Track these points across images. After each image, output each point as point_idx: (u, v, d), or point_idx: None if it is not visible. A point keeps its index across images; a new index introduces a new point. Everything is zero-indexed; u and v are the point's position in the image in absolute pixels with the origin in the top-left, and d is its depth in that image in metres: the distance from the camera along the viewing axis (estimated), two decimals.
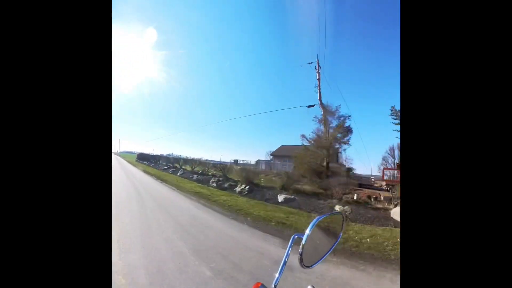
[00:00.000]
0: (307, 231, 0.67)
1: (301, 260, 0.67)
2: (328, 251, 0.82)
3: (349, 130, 12.39)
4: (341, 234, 0.88)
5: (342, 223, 0.89)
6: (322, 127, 12.64)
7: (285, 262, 0.69)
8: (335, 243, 0.85)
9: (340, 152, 13.59)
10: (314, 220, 0.70)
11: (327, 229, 0.82)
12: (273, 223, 5.58)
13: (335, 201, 8.50)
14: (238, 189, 9.74)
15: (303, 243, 0.66)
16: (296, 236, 0.71)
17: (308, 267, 0.72)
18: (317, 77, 12.99)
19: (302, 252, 0.66)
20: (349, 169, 13.51)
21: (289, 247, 0.70)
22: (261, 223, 5.59)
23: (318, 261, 0.77)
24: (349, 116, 12.43)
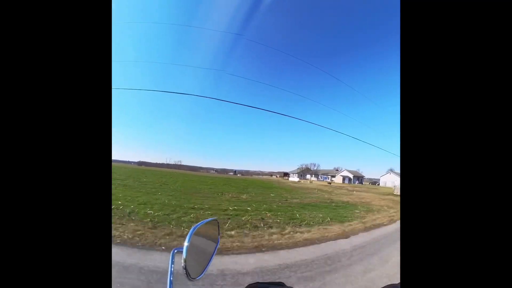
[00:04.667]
0: (186, 243, 0.66)
1: (187, 274, 0.66)
2: (211, 258, 0.85)
3: None
4: (219, 238, 0.94)
5: (218, 228, 0.95)
6: None
7: (171, 282, 0.67)
8: (215, 248, 0.89)
9: None
10: (191, 230, 0.70)
11: (205, 237, 0.84)
12: None
13: None
14: None
15: (185, 256, 0.65)
16: (175, 251, 0.70)
17: (195, 278, 0.71)
18: None
19: (185, 265, 0.65)
20: None
21: (171, 264, 0.68)
22: None
23: (204, 269, 0.78)
24: None
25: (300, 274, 3.64)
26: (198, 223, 0.77)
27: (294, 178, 65.48)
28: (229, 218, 7.13)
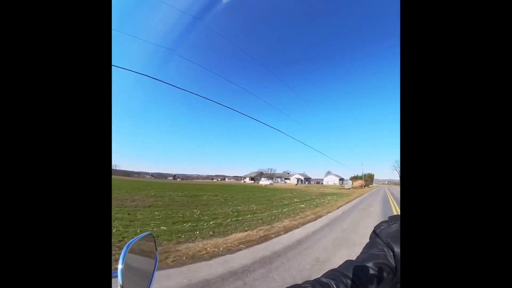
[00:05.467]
0: (120, 266, 0.58)
1: None
2: (152, 277, 0.77)
3: None
4: (157, 254, 0.86)
5: (155, 242, 0.86)
6: None
7: None
8: (155, 266, 0.83)
9: None
10: (124, 249, 0.62)
11: (142, 254, 0.76)
12: None
13: None
14: None
15: (121, 282, 0.57)
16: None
17: None
18: None
19: None
20: None
21: None
22: None
23: None
24: None
25: (374, 195, 20.21)
26: (131, 240, 0.68)
27: (264, 182, 76.92)
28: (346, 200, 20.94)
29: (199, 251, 4.32)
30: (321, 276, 0.61)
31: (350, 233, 6.12)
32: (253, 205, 12.64)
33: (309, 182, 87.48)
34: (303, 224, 7.20)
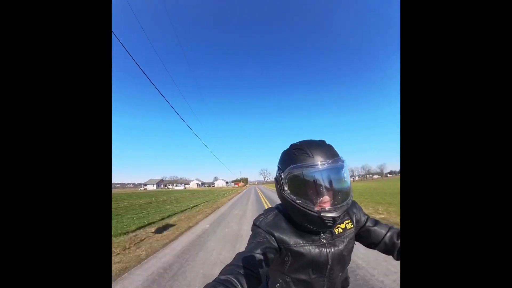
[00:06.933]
0: None
1: None
2: None
3: None
4: None
5: None
6: None
7: None
8: None
9: None
10: None
11: None
12: None
13: None
14: None
15: None
16: None
17: None
18: None
19: None
20: None
21: None
22: None
23: None
24: None
25: (251, 188, 56.61)
26: None
27: (179, 187, 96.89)
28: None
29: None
30: (219, 275, 0.61)
31: (251, 189, 39.35)
32: (216, 194, 41.40)
33: (204, 186, 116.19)
34: (242, 191, 38.98)
